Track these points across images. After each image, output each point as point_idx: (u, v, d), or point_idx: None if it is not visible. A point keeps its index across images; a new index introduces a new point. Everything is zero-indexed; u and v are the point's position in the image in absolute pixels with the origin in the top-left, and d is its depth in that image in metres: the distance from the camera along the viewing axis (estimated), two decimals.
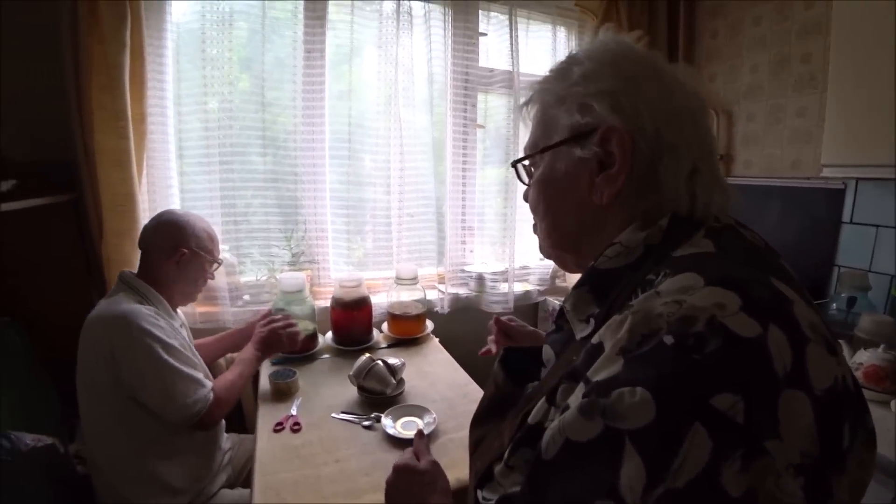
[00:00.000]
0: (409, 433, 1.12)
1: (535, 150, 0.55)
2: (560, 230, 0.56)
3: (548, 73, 0.55)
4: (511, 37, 1.83)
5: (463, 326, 1.92)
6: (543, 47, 1.97)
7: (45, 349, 1.42)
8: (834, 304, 1.50)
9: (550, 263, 2.13)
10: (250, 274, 1.77)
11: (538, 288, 2.09)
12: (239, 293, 1.71)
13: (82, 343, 1.12)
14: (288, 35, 1.69)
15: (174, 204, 1.59)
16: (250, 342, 1.36)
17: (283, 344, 1.39)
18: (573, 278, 2.01)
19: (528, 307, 2.07)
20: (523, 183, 0.60)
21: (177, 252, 1.21)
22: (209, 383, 1.16)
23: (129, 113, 1.40)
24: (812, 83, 1.59)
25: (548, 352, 0.56)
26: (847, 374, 0.37)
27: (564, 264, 0.60)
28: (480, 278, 1.98)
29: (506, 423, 0.53)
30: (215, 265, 1.32)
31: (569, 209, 0.53)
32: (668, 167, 0.47)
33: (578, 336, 0.48)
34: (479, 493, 0.50)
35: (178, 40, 1.57)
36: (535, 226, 0.60)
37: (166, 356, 1.08)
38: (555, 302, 2.03)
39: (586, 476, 0.35)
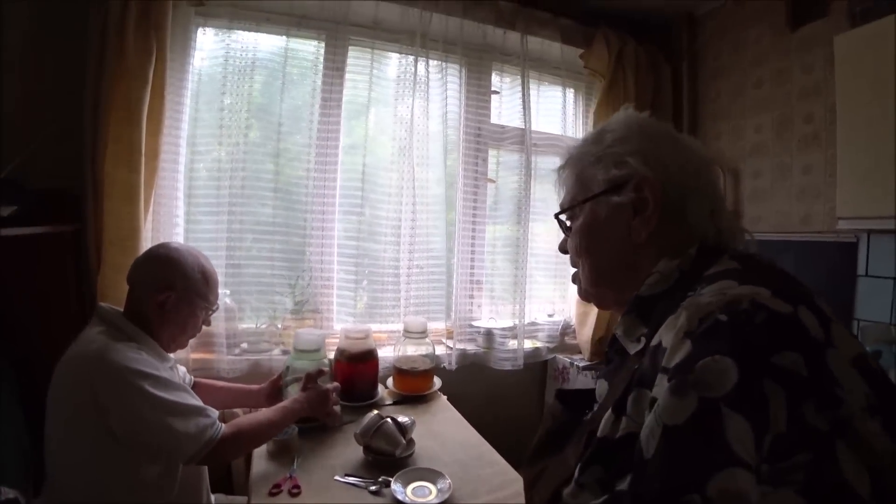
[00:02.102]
0: (422, 500, 1.01)
1: (576, 203, 0.64)
2: (602, 269, 0.63)
3: (581, 141, 0.67)
4: (523, 95, 1.88)
5: (471, 384, 1.82)
6: (554, 107, 2.04)
7: (27, 389, 1.30)
8: None
9: (560, 320, 2.07)
10: (250, 321, 1.69)
11: (547, 345, 2.00)
12: (237, 340, 1.61)
13: (55, 387, 0.97)
14: (307, 85, 1.73)
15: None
16: (300, 394, 1.22)
17: (324, 414, 1.26)
18: (584, 335, 1.96)
19: (537, 365, 1.98)
20: (565, 233, 0.69)
21: (161, 293, 1.06)
22: (215, 412, 1.02)
23: (144, 148, 1.38)
24: (816, 141, 1.63)
25: (602, 386, 0.61)
26: (871, 358, 0.42)
27: (605, 302, 0.67)
28: (489, 334, 1.90)
29: (570, 449, 0.56)
30: (211, 311, 1.17)
31: (610, 249, 0.61)
32: (692, 207, 0.57)
33: (632, 351, 0.55)
34: None
35: (199, 82, 1.60)
36: (575, 274, 0.69)
37: (159, 392, 0.95)
38: (565, 360, 1.94)
39: (698, 453, 0.37)
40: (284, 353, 1.66)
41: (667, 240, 0.57)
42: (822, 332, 0.40)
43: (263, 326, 1.69)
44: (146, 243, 1.44)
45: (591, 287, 0.65)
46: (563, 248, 0.70)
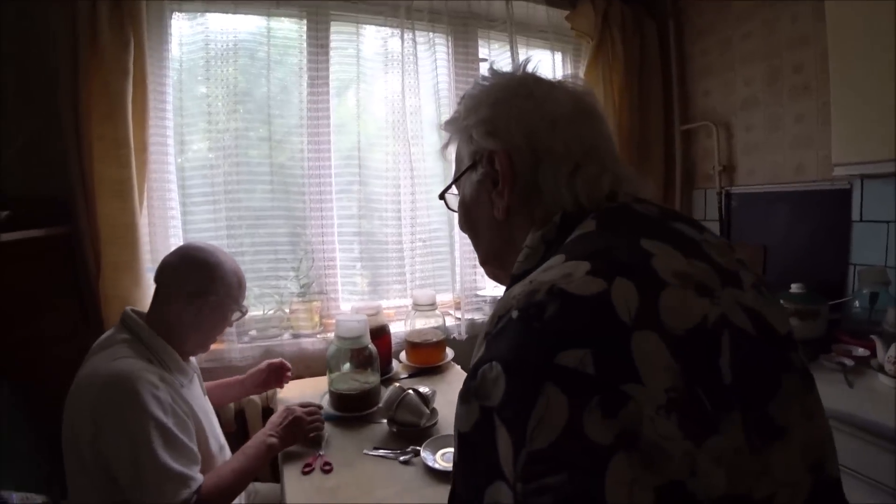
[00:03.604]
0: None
1: (452, 181, 0.62)
2: (483, 247, 0.61)
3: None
4: (513, 61, 1.85)
5: None
6: (543, 71, 2.01)
7: (33, 398, 1.29)
8: (857, 302, 1.49)
9: None
10: (256, 308, 1.67)
11: None
12: (245, 328, 1.61)
13: (71, 404, 0.92)
14: (292, 65, 1.69)
15: (176, 237, 1.51)
16: (267, 429, 1.11)
17: (305, 437, 1.15)
18: None
19: None
20: (453, 211, 0.66)
21: (200, 298, 1.03)
22: (198, 480, 0.91)
23: (132, 142, 1.34)
24: (807, 91, 1.64)
25: None
26: (733, 313, 0.37)
27: (501, 279, 0.63)
28: (495, 302, 1.91)
29: None
30: (238, 314, 1.14)
31: (483, 227, 0.59)
32: (545, 171, 0.52)
33: None
34: None
35: (181, 70, 1.55)
36: None
37: (156, 444, 0.87)
38: None
39: (477, 463, 0.36)
40: (295, 336, 1.66)
41: (531, 211, 0.53)
42: (636, 306, 0.34)
43: (271, 312, 1.68)
44: (144, 239, 1.41)
45: (482, 265, 0.64)
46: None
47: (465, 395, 0.38)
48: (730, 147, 1.92)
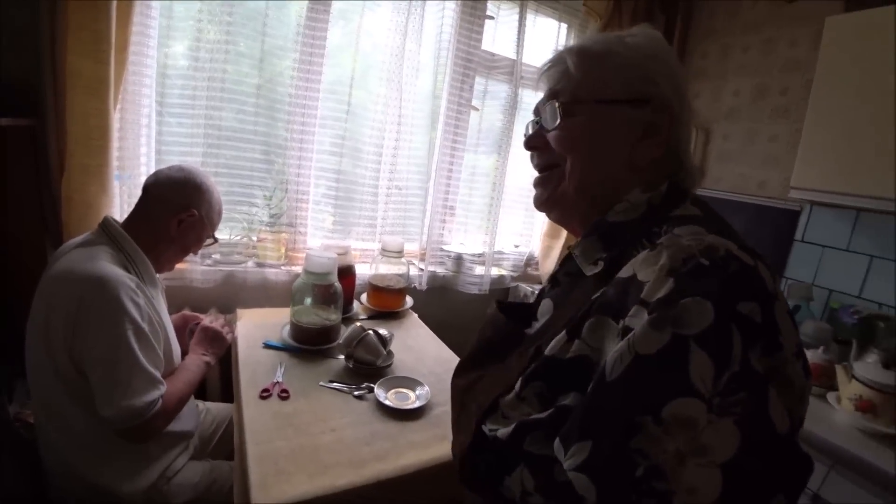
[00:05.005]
0: (403, 405, 1.11)
1: (587, 99, 0.57)
2: (587, 177, 0.58)
3: (602, 39, 0.60)
4: (519, 24, 1.83)
5: (439, 304, 1.93)
6: (546, 42, 1.99)
7: None
8: None
9: (525, 251, 2.18)
10: (222, 233, 1.65)
11: (511, 274, 2.14)
12: (209, 251, 1.59)
13: (45, 297, 0.93)
14: None
15: (147, 146, 1.45)
16: (199, 349, 1.20)
17: (224, 346, 1.26)
18: (546, 267, 2.11)
19: (500, 291, 2.11)
20: (546, 125, 0.60)
21: (186, 211, 1.09)
22: (163, 386, 0.98)
23: (113, 38, 1.24)
24: (786, 114, 1.74)
25: (546, 305, 0.63)
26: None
27: (572, 216, 0.62)
28: (459, 259, 1.99)
29: (513, 361, 0.57)
30: (209, 241, 1.21)
31: (604, 161, 0.58)
32: (685, 150, 0.59)
33: (588, 273, 0.56)
34: (484, 427, 0.54)
35: None
36: (542, 178, 0.63)
37: (135, 344, 0.92)
38: (527, 288, 2.08)
39: (660, 381, 0.41)
40: (259, 265, 1.67)
41: (659, 170, 0.56)
42: (774, 284, 0.44)
43: (237, 238, 1.66)
44: (115, 144, 1.34)
45: (574, 192, 0.59)
46: (531, 144, 0.64)
47: (660, 322, 0.41)
48: (705, 152, 2.01)
